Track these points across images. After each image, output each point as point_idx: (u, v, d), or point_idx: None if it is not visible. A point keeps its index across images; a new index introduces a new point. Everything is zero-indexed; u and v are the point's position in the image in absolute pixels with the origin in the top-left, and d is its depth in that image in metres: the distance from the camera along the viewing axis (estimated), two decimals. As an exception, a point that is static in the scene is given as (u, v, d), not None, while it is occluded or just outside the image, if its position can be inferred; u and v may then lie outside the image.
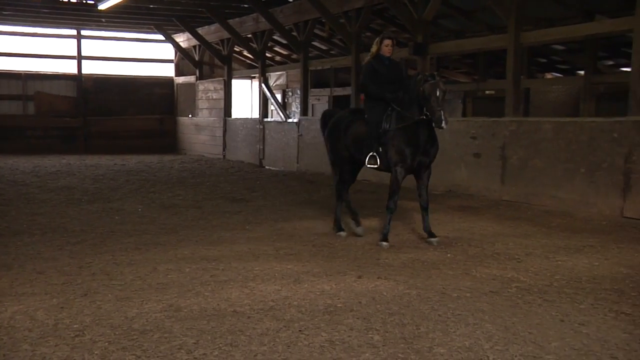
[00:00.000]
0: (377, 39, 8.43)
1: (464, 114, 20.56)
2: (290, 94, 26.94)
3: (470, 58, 22.22)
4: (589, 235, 8.27)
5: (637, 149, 9.46)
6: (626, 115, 10.07)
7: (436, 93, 7.50)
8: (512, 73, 12.28)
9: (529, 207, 10.56)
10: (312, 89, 23.35)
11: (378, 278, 6.16)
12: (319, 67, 21.45)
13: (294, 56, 23.95)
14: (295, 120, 19.27)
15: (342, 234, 8.52)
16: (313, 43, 22.69)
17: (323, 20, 18.64)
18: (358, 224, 8.63)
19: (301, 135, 18.02)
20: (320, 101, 25.39)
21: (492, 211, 10.47)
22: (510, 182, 11.55)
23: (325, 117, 9.30)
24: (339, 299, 5.46)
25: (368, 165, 8.24)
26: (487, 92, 20.78)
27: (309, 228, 8.92)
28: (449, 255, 7.25)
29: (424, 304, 5.33)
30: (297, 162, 18.14)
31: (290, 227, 8.98)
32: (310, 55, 20.96)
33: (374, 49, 8.36)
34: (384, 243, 7.81)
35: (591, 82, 17.33)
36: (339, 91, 23.87)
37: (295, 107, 25.80)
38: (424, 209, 8.13)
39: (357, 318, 4.95)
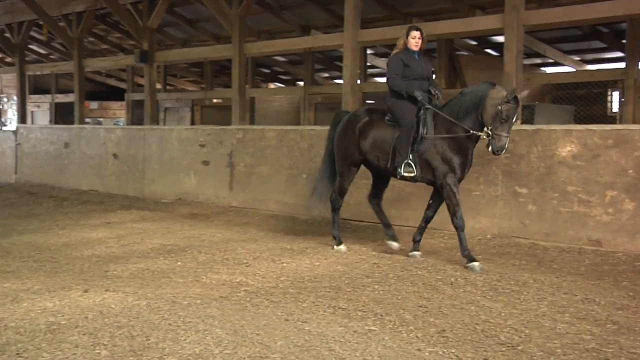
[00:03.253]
0: (404, 30, 7.52)
1: (192, 122, 20.73)
2: (5, 100, 25.14)
3: (198, 67, 22.50)
4: (310, 238, 8.78)
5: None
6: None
7: (513, 119, 6.85)
8: (237, 82, 12.67)
9: (257, 213, 10.95)
10: (31, 95, 22.01)
11: (106, 291, 5.96)
12: (38, 72, 20.30)
13: (9, 59, 22.28)
14: (12, 128, 17.93)
15: (342, 248, 7.86)
16: (30, 46, 21.39)
17: (41, 23, 17.60)
18: (394, 239, 7.79)
19: (19, 144, 16.81)
20: (41, 108, 24.02)
21: (221, 217, 10.67)
22: (238, 189, 11.88)
23: (337, 119, 8.23)
24: (62, 315, 5.18)
25: (404, 174, 7.26)
26: (214, 100, 21.17)
27: (29, 243, 8.34)
28: (179, 263, 7.24)
29: (154, 314, 5.27)
30: (16, 173, 16.90)
31: (8, 243, 8.32)
32: (27, 59, 19.75)
33: (400, 42, 7.44)
34: (475, 264, 6.83)
35: (310, 92, 18.50)
36: (62, 98, 22.78)
37: (11, 113, 24.10)
38: (426, 222, 7.55)
39: (83, 334, 4.74)
